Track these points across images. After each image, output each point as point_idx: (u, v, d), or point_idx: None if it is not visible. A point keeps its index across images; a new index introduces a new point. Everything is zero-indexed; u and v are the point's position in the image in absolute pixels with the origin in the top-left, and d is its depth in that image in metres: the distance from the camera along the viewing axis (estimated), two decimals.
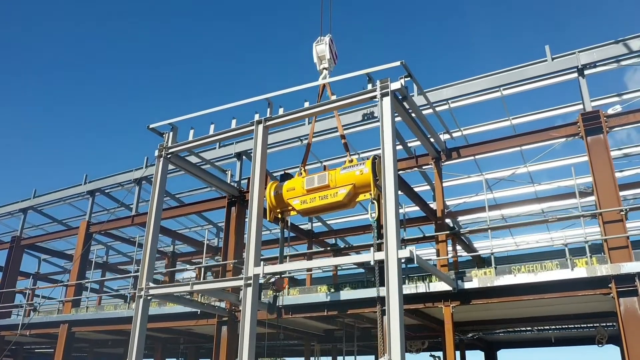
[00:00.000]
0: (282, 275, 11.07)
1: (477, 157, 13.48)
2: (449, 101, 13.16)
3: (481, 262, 20.82)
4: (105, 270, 23.83)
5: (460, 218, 18.73)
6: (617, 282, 9.70)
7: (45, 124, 71.05)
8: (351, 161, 10.60)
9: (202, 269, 14.85)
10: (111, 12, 67.30)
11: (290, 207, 10.86)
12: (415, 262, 8.82)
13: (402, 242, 18.77)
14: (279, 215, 11.16)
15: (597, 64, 11.56)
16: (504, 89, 12.61)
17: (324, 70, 11.97)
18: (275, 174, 16.47)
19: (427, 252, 22.06)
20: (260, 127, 11.13)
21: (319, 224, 19.61)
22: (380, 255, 8.75)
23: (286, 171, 13.09)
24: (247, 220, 12.48)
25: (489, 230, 11.68)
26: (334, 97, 10.81)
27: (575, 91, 12.24)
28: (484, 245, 20.29)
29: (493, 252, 11.48)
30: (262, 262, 9.98)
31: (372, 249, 9.01)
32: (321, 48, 12.05)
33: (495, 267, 10.81)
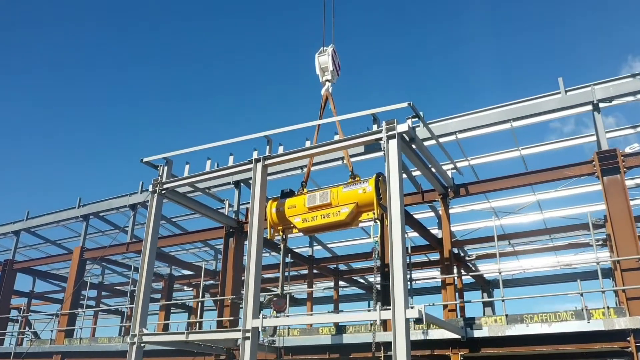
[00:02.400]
0: (281, 296, 10.66)
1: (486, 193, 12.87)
2: (457, 133, 12.58)
3: (486, 285, 20.34)
4: (101, 290, 23.28)
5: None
6: (637, 336, 9.18)
7: (37, 134, 69.03)
8: (354, 178, 10.09)
9: (199, 308, 14.22)
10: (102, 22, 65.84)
11: (291, 225, 10.47)
12: (424, 321, 8.33)
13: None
14: (280, 234, 10.76)
15: (613, 99, 11.00)
16: (514, 121, 12.04)
17: (327, 82, 11.55)
18: None
19: (430, 275, 21.51)
20: (259, 165, 10.59)
21: (319, 247, 19.05)
22: (386, 315, 8.24)
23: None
24: (246, 246, 11.96)
25: (499, 273, 11.10)
26: (337, 137, 10.28)
27: (589, 120, 11.72)
28: (490, 269, 19.77)
29: (501, 274, 11.02)
30: (260, 315, 9.46)
31: (377, 307, 8.49)
32: (324, 59, 11.60)
33: (507, 315, 10.27)
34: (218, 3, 68.01)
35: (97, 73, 67.56)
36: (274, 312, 11.19)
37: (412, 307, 11.10)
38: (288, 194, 10.72)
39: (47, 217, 19.00)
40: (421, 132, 12.13)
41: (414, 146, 9.89)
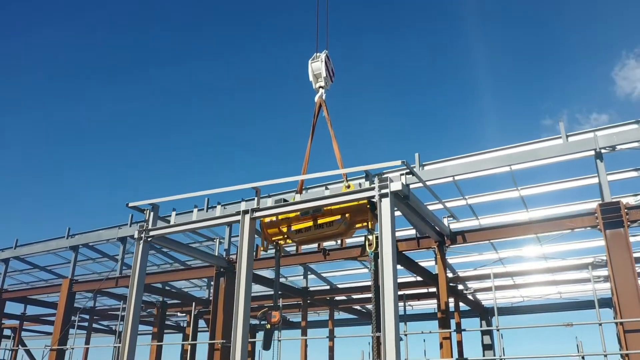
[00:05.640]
0: (273, 310, 10.38)
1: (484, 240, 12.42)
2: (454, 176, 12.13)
3: (484, 313, 19.97)
4: (92, 315, 22.92)
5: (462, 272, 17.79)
6: None
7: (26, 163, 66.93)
8: (348, 187, 9.78)
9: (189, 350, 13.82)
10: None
11: (285, 236, 10.21)
12: None
13: (400, 299, 17.86)
14: (274, 245, 10.47)
15: (616, 147, 10.55)
16: (514, 165, 11.59)
17: (320, 89, 11.25)
18: None
19: (428, 302, 21.12)
20: (247, 217, 10.15)
21: (313, 276, 18.62)
22: None
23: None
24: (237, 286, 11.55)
25: (497, 329, 10.70)
26: (327, 192, 9.84)
27: (591, 163, 11.24)
28: (487, 297, 19.40)
29: (500, 332, 10.61)
30: None
31: None
32: (317, 65, 11.29)
33: None
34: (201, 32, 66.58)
35: (86, 100, 66.00)
36: (268, 324, 10.88)
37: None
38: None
39: (36, 246, 18.58)
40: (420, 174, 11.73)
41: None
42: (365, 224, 9.34)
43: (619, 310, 9.53)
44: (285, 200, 10.50)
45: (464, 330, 12.40)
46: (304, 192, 10.98)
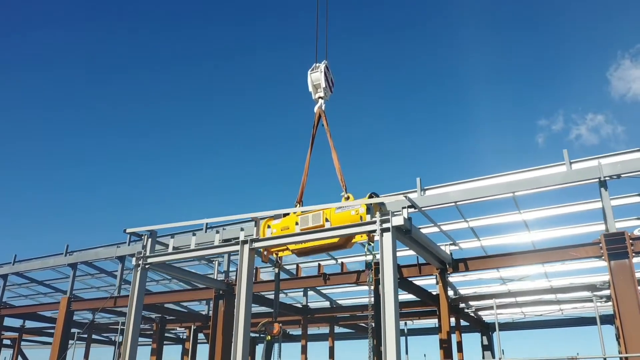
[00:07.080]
0: (274, 322, 10.32)
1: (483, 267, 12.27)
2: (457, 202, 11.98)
3: (485, 328, 19.83)
4: (91, 328, 22.78)
5: (464, 291, 17.67)
6: None
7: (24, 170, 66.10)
8: (347, 198, 9.74)
9: None
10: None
11: (284, 247, 10.18)
12: None
13: (401, 317, 17.71)
14: (274, 255, 10.50)
15: (620, 175, 10.40)
16: (517, 192, 11.44)
17: (320, 99, 11.20)
18: None
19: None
20: (246, 247, 10.03)
21: (312, 292, 18.48)
22: None
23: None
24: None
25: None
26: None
27: (594, 186, 11.08)
28: (488, 313, 19.25)
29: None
30: None
31: None
32: (316, 76, 11.23)
33: None
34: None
35: (84, 102, 65.54)
36: (268, 336, 10.80)
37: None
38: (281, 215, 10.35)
39: (35, 263, 18.48)
40: (420, 200, 11.60)
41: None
42: (364, 235, 9.30)
43: (623, 342, 9.38)
44: (287, 214, 10.38)
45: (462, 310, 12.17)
46: (300, 209, 10.78)
